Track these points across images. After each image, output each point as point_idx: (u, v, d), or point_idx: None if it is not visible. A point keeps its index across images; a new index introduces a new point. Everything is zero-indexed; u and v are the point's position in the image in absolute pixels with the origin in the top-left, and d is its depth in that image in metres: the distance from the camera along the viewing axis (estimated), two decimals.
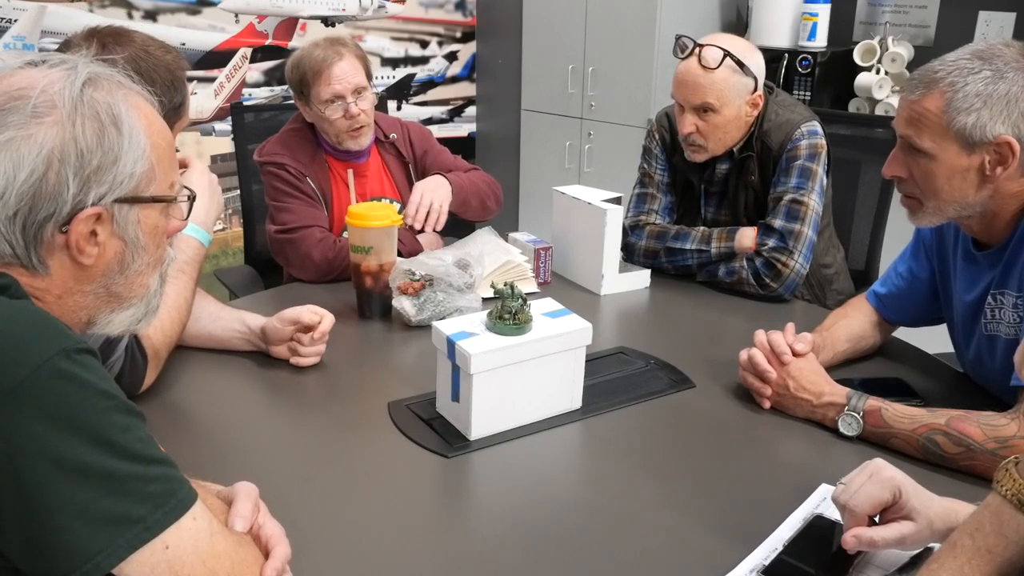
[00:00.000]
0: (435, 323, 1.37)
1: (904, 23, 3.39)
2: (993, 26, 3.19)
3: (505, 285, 1.37)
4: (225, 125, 3.29)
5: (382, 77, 3.99)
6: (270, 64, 3.62)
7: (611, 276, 1.98)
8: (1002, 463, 0.88)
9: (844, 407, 1.36)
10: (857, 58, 3.29)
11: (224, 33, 3.44)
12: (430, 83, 4.23)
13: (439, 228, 1.99)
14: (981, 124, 1.26)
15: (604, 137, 3.72)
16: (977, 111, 1.26)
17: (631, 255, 2.10)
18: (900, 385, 1.51)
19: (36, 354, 0.76)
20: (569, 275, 2.07)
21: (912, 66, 3.22)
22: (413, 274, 1.73)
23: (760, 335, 1.48)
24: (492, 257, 1.93)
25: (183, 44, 3.30)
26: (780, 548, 1.08)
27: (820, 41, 3.34)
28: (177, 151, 1.53)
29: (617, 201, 1.99)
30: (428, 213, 2.03)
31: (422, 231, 2.06)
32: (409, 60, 4.11)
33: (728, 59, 1.88)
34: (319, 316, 1.54)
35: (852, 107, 3.33)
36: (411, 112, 4.15)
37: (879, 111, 3.23)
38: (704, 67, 1.89)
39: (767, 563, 1.05)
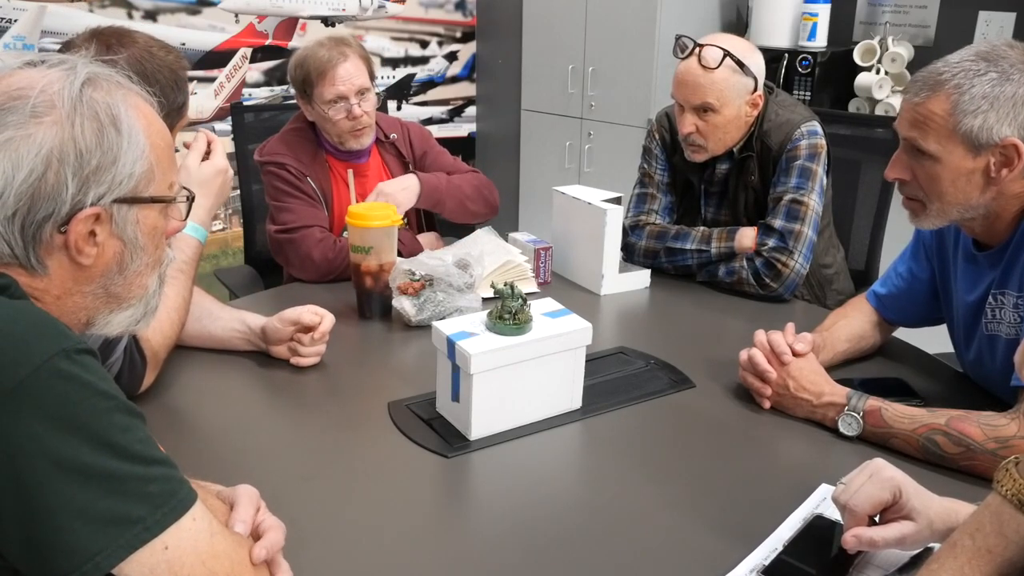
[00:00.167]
0: (435, 323, 1.37)
1: (904, 23, 3.39)
2: (993, 26, 3.19)
3: (505, 285, 1.37)
4: (225, 125, 3.28)
5: (382, 77, 3.99)
6: (270, 64, 3.62)
7: (611, 276, 1.98)
8: (1002, 463, 0.88)
9: (844, 407, 1.36)
10: (857, 58, 3.29)
11: (224, 33, 3.44)
12: (430, 83, 4.23)
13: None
14: (988, 126, 1.26)
15: (604, 137, 3.72)
16: (984, 113, 1.26)
17: (631, 255, 2.10)
18: (900, 385, 1.51)
19: (36, 354, 0.76)
20: (569, 275, 2.07)
21: (912, 66, 3.22)
22: (413, 274, 1.73)
23: (760, 335, 1.48)
24: (492, 257, 1.93)
25: (183, 44, 3.30)
26: (780, 548, 1.08)
27: (820, 41, 3.34)
28: (177, 151, 1.54)
29: (617, 201, 1.99)
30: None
31: None
32: (409, 60, 4.11)
33: (728, 59, 1.88)
34: (319, 317, 1.54)
35: (852, 107, 3.33)
36: (411, 112, 4.16)
37: (879, 111, 3.23)
38: (704, 67, 1.89)
39: (767, 563, 1.05)
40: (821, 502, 1.17)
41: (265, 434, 1.39)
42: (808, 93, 3.22)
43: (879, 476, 1.03)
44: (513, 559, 1.09)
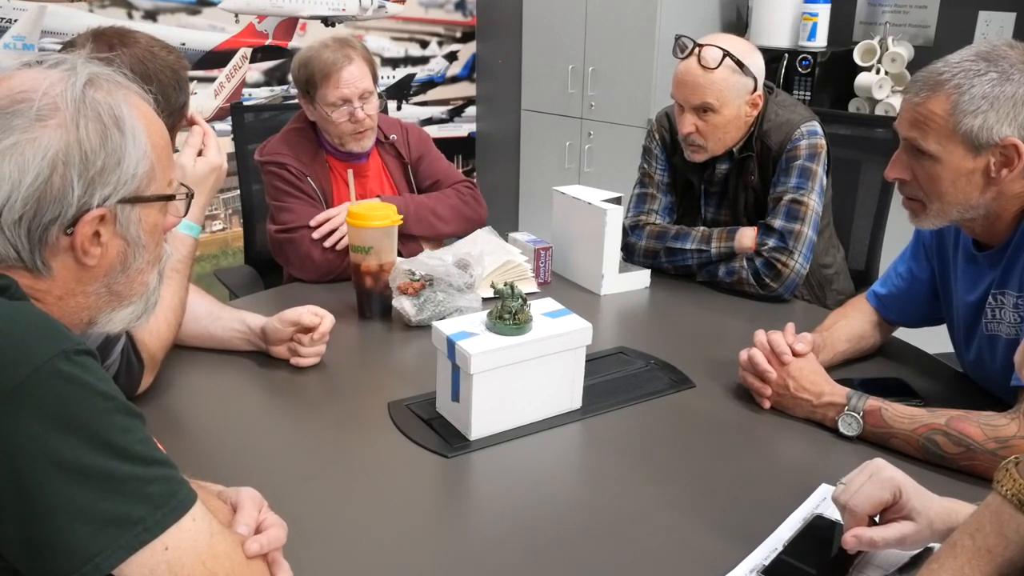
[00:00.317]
0: (435, 323, 1.37)
1: (904, 23, 3.39)
2: (993, 26, 3.19)
3: (505, 285, 1.37)
4: (225, 125, 3.28)
5: (382, 77, 3.99)
6: (270, 64, 3.62)
7: (611, 276, 1.98)
8: (1002, 463, 0.88)
9: (844, 407, 1.36)
10: (857, 58, 3.29)
11: (224, 33, 3.44)
12: (430, 83, 4.23)
13: (338, 248, 1.96)
14: (988, 126, 1.26)
15: (604, 137, 3.72)
16: (984, 113, 1.26)
17: (631, 255, 2.10)
18: (900, 385, 1.51)
19: (36, 355, 0.76)
20: (569, 275, 2.07)
21: (912, 66, 3.22)
22: (413, 274, 1.73)
23: (760, 335, 1.48)
24: (492, 257, 1.93)
25: (183, 44, 3.30)
26: (780, 548, 1.08)
27: (820, 41, 3.34)
28: (176, 151, 1.54)
29: (617, 201, 2.00)
30: (334, 231, 1.98)
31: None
32: (409, 60, 4.11)
33: (728, 59, 1.88)
34: (319, 318, 1.54)
35: (852, 107, 3.33)
36: (411, 112, 4.16)
37: (879, 111, 3.23)
38: (704, 67, 1.89)
39: (767, 563, 1.05)
40: (821, 502, 1.17)
41: (265, 434, 1.39)
42: (808, 93, 3.22)
43: (879, 476, 1.03)
44: (513, 559, 1.09)
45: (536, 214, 4.03)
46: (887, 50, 3.26)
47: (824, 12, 3.33)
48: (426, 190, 2.25)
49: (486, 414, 1.34)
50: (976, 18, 3.22)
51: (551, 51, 3.83)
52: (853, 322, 1.64)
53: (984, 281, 1.42)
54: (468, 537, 1.16)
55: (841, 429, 1.36)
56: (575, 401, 1.44)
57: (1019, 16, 3.14)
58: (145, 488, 0.79)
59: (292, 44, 3.65)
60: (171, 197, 0.96)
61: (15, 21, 2.95)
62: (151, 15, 3.24)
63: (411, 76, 4.14)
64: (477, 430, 1.34)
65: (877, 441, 1.33)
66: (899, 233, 1.94)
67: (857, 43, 3.32)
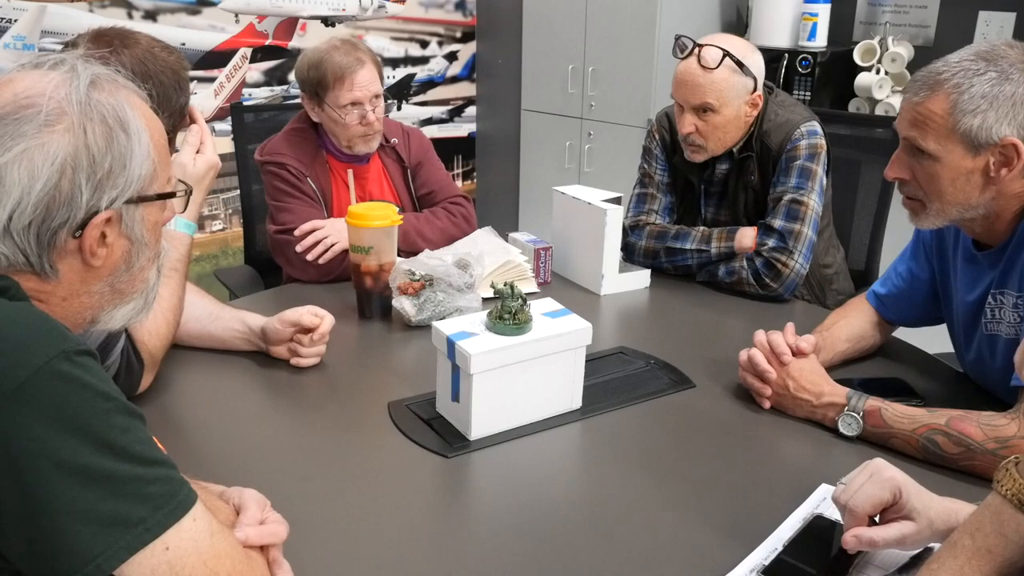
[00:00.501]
0: (435, 323, 1.37)
1: (904, 23, 3.39)
2: (993, 26, 3.19)
3: (505, 285, 1.37)
4: (225, 125, 3.28)
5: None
6: (270, 64, 3.62)
7: (611, 276, 1.98)
8: (1002, 463, 0.88)
9: (844, 407, 1.36)
10: (857, 58, 3.29)
11: (224, 33, 3.44)
12: (430, 83, 4.23)
13: (321, 261, 1.96)
14: (987, 126, 1.26)
15: (604, 137, 3.72)
16: (983, 113, 1.26)
17: (631, 255, 2.10)
18: (900, 385, 1.51)
19: (36, 356, 0.76)
20: (569, 275, 2.07)
21: (912, 66, 3.22)
22: (413, 274, 1.73)
23: (760, 335, 1.48)
24: (492, 257, 1.93)
25: (183, 44, 3.30)
26: (780, 548, 1.08)
27: (820, 41, 3.34)
28: (177, 151, 1.54)
29: (617, 201, 2.00)
30: (318, 243, 1.96)
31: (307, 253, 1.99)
32: (409, 60, 4.11)
33: (727, 59, 1.88)
34: (319, 319, 1.54)
35: (852, 107, 3.33)
36: (411, 112, 4.15)
37: (879, 111, 3.23)
38: (704, 67, 1.89)
39: (767, 563, 1.05)
40: (821, 502, 1.17)
41: (265, 434, 1.39)
42: (808, 93, 3.22)
43: (879, 476, 1.03)
44: (513, 559, 1.09)
45: (536, 214, 4.04)
46: (887, 50, 3.26)
47: (824, 12, 3.33)
48: (421, 198, 2.26)
49: (486, 414, 1.34)
50: (976, 18, 3.22)
51: (551, 51, 3.83)
52: (853, 322, 1.64)
53: (984, 281, 1.42)
54: (468, 537, 1.16)
55: (841, 429, 1.36)
56: (575, 401, 1.44)
57: (1019, 16, 3.14)
58: (146, 488, 0.79)
59: (292, 44, 3.65)
60: (172, 195, 0.97)
61: (15, 21, 2.95)
62: (151, 15, 3.24)
63: (411, 76, 4.14)
64: (477, 430, 1.34)
65: (877, 441, 1.33)
66: (899, 233, 1.94)
67: (857, 43, 3.32)
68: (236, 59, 3.51)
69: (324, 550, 1.08)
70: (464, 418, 1.34)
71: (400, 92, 4.12)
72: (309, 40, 3.63)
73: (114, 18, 3.12)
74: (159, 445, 0.84)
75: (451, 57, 4.27)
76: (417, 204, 2.26)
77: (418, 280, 1.72)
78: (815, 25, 3.32)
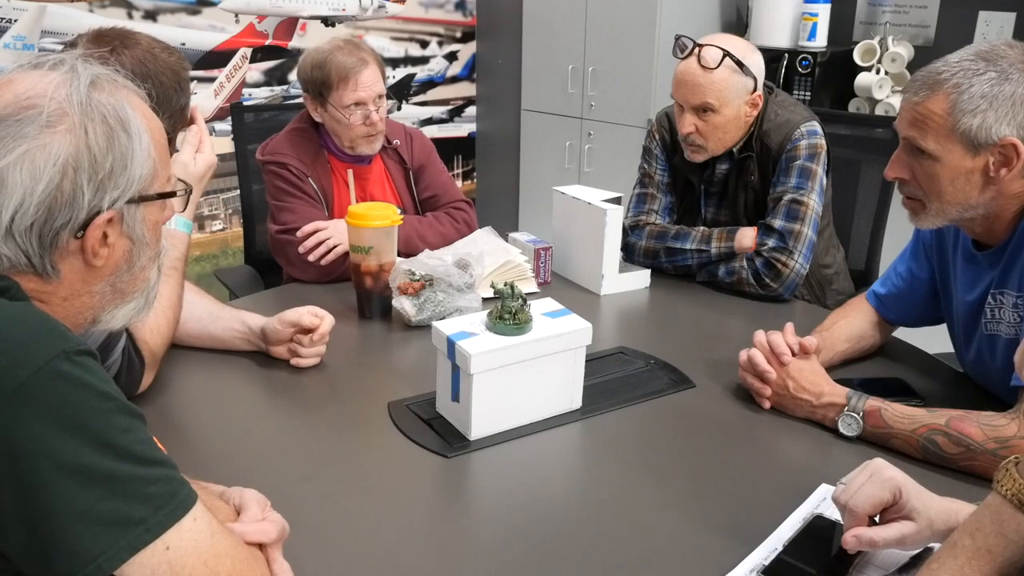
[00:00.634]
0: (435, 323, 1.37)
1: (904, 23, 3.39)
2: (993, 26, 3.19)
3: (505, 285, 1.37)
4: (225, 125, 3.29)
5: None
6: (270, 64, 3.62)
7: (611, 276, 1.98)
8: (1002, 463, 0.88)
9: (844, 407, 1.36)
10: (857, 58, 3.29)
11: (224, 33, 3.44)
12: (430, 83, 4.23)
13: (323, 263, 1.96)
14: (987, 126, 1.26)
15: (604, 137, 3.72)
16: (983, 113, 1.26)
17: (631, 255, 2.10)
18: (900, 385, 1.51)
19: (37, 356, 0.76)
20: (569, 275, 2.07)
21: (912, 66, 3.22)
22: (413, 274, 1.73)
23: (760, 335, 1.48)
24: (492, 257, 1.93)
25: (183, 44, 3.30)
26: (780, 548, 1.08)
27: (820, 41, 3.34)
28: (177, 151, 1.54)
29: (617, 201, 2.00)
30: (320, 244, 1.96)
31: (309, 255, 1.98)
32: (409, 60, 4.11)
33: (727, 59, 1.88)
34: (319, 319, 1.54)
35: (852, 107, 3.33)
36: (411, 112, 4.15)
37: (879, 111, 3.23)
38: (704, 67, 1.89)
39: (767, 563, 1.05)
40: (821, 502, 1.17)
41: (265, 434, 1.39)
42: (808, 93, 3.22)
43: (879, 476, 1.03)
44: (513, 559, 1.09)
45: (536, 214, 4.04)
46: (887, 50, 3.26)
47: (824, 12, 3.33)
48: (424, 202, 2.26)
49: (486, 414, 1.34)
50: (976, 18, 3.22)
51: (551, 51, 3.83)
52: (853, 322, 1.64)
53: (983, 281, 1.42)
54: (468, 537, 1.16)
55: (841, 429, 1.36)
56: (575, 401, 1.44)
57: (1019, 16, 3.14)
58: (146, 488, 0.79)
59: (292, 44, 3.65)
60: (173, 194, 0.97)
61: (15, 21, 2.95)
62: (151, 15, 3.24)
63: (411, 76, 4.14)
64: (477, 430, 1.34)
65: (877, 441, 1.33)
66: (899, 233, 1.94)
67: (857, 43, 3.32)
68: (236, 59, 3.51)
69: (324, 550, 1.08)
70: (464, 418, 1.34)
71: (400, 92, 4.12)
72: (309, 40, 3.63)
73: (114, 18, 3.12)
74: (159, 445, 0.84)
75: (451, 57, 4.27)
76: (419, 207, 2.26)
77: (418, 280, 1.72)
78: (815, 25, 3.32)
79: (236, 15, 3.46)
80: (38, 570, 0.76)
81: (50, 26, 3.02)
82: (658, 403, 1.48)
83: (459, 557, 1.10)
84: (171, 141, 1.48)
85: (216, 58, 3.44)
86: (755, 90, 1.94)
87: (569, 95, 3.81)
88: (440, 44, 4.20)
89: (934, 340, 1.74)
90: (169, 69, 1.44)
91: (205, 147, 1.55)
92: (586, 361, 1.43)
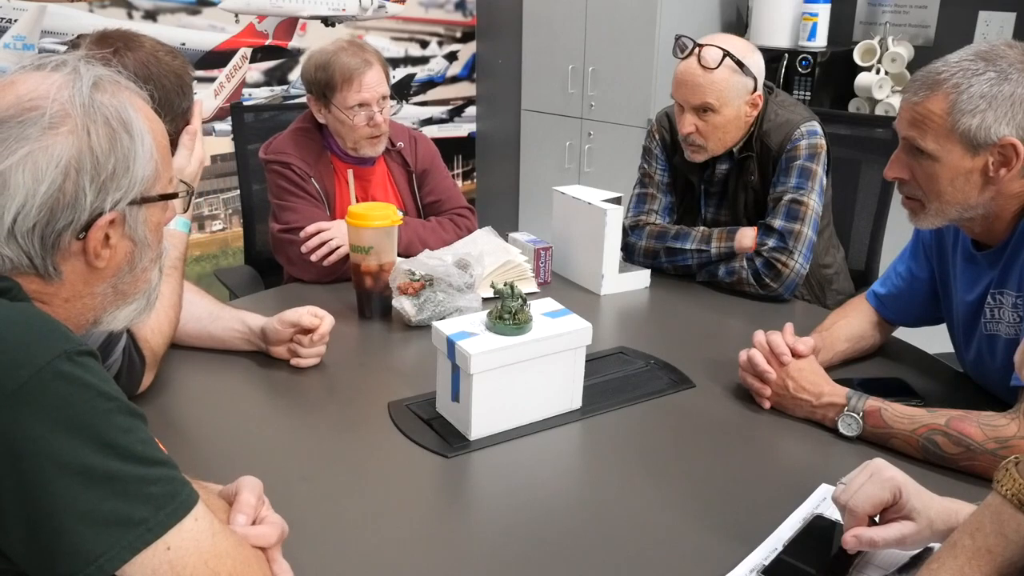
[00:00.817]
0: (435, 323, 1.37)
1: (904, 23, 3.40)
2: (993, 26, 3.19)
3: (505, 285, 1.37)
4: (225, 125, 3.29)
5: None
6: (270, 64, 3.62)
7: (611, 276, 1.98)
8: (1002, 463, 0.88)
9: (844, 407, 1.36)
10: (857, 58, 3.29)
11: (224, 33, 3.44)
12: (430, 83, 4.23)
13: (325, 263, 1.96)
14: (986, 126, 1.26)
15: (604, 137, 3.72)
16: (982, 113, 1.26)
17: (631, 255, 2.10)
18: (900, 385, 1.51)
19: (38, 356, 0.76)
20: (569, 275, 2.07)
21: (912, 66, 3.22)
22: (413, 274, 1.73)
23: (759, 336, 1.48)
24: (492, 257, 1.93)
25: (183, 44, 3.30)
26: (780, 548, 1.08)
27: (820, 41, 3.34)
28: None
29: (617, 201, 2.00)
30: (322, 244, 1.96)
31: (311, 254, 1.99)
32: (409, 60, 4.11)
33: (728, 59, 1.89)
34: (319, 319, 1.54)
35: (852, 107, 3.33)
36: (411, 112, 4.16)
37: (879, 111, 3.23)
38: (704, 67, 1.89)
39: (767, 563, 1.05)
40: (821, 502, 1.17)
41: (265, 434, 1.39)
42: (808, 93, 3.22)
43: (879, 476, 1.03)
44: (513, 559, 1.09)
45: (536, 214, 4.03)
46: (887, 50, 3.26)
47: (824, 12, 3.33)
48: (427, 206, 2.25)
49: (486, 414, 1.34)
50: (976, 18, 3.22)
51: (551, 51, 3.83)
52: (853, 322, 1.64)
53: (983, 281, 1.42)
54: (468, 537, 1.16)
55: (841, 429, 1.36)
56: (575, 401, 1.44)
57: (1019, 16, 3.14)
58: (147, 488, 0.79)
59: (292, 44, 3.65)
60: (174, 195, 0.97)
61: (15, 21, 2.95)
62: (151, 15, 3.24)
63: (411, 76, 4.14)
64: (477, 430, 1.34)
65: (877, 441, 1.33)
66: (899, 233, 1.94)
67: (857, 43, 3.32)
68: (236, 59, 3.51)
69: (324, 550, 1.08)
70: (464, 418, 1.34)
71: (400, 92, 4.12)
72: (309, 40, 3.64)
73: (114, 18, 3.12)
74: (160, 445, 0.84)
75: (451, 57, 4.27)
76: (422, 211, 2.26)
77: (418, 280, 1.72)
78: (815, 25, 3.32)
79: (236, 15, 3.46)
80: (39, 570, 0.76)
81: (50, 26, 3.02)
82: (658, 403, 1.48)
83: (459, 557, 1.10)
84: (173, 144, 1.48)
85: (216, 58, 3.44)
86: (755, 90, 1.94)
87: (569, 95, 3.81)
88: (440, 44, 4.21)
89: (934, 340, 1.74)
90: (172, 72, 1.44)
91: (196, 145, 1.55)
92: (586, 361, 1.43)
